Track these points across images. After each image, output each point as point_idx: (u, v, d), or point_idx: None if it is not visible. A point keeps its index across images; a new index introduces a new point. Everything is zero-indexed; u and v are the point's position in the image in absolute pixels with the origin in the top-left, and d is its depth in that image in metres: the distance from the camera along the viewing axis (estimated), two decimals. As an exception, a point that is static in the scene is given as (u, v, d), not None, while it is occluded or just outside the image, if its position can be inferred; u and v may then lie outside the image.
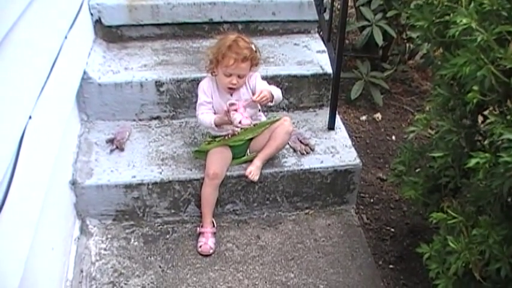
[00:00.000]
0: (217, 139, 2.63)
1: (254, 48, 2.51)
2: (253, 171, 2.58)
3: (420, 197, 2.18)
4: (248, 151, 2.68)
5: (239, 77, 2.49)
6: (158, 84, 2.88)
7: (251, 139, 2.65)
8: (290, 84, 2.99)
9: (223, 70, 2.48)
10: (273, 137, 2.61)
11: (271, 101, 2.54)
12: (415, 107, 3.71)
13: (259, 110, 2.71)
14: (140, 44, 3.21)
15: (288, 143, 2.77)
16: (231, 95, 2.56)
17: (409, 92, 3.88)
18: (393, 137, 3.42)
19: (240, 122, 2.42)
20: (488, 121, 1.68)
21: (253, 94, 2.52)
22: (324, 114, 3.01)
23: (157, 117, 2.96)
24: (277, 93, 2.57)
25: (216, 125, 2.54)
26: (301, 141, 2.81)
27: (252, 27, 3.31)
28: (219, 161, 2.57)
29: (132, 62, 3.02)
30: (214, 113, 2.57)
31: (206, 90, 2.57)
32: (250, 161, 2.63)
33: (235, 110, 2.43)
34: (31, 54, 1.96)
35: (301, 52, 3.22)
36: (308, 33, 3.39)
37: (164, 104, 2.93)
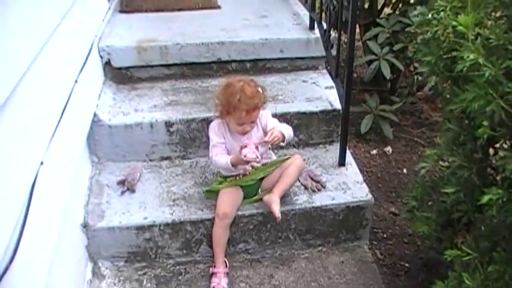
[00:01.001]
0: (228, 179, 2.61)
1: (261, 90, 2.49)
2: (278, 209, 2.48)
3: (433, 232, 2.15)
4: (259, 190, 2.64)
5: (251, 122, 2.50)
6: (168, 124, 2.87)
7: (262, 178, 2.63)
8: (299, 121, 2.98)
9: (235, 120, 2.47)
10: (285, 174, 2.58)
11: (283, 141, 2.51)
12: (426, 138, 3.69)
13: (269, 149, 2.69)
14: (150, 84, 3.22)
15: (299, 181, 2.75)
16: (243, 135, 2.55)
17: (418, 124, 3.86)
18: (404, 170, 3.39)
19: (245, 156, 2.39)
20: (499, 155, 1.68)
21: (264, 132, 2.53)
22: (334, 150, 2.98)
23: (168, 158, 2.94)
24: (288, 131, 2.54)
25: (233, 165, 2.51)
26: (312, 178, 2.77)
27: (260, 65, 3.32)
28: (229, 200, 2.54)
29: (142, 103, 3.02)
30: (228, 153, 2.56)
31: (217, 132, 2.56)
32: (261, 199, 2.60)
33: (245, 146, 2.42)
34: (42, 100, 1.98)
35: (310, 89, 3.21)
36: (316, 70, 3.39)
37: (174, 144, 2.91)
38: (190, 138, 2.92)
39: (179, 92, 3.17)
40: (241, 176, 2.61)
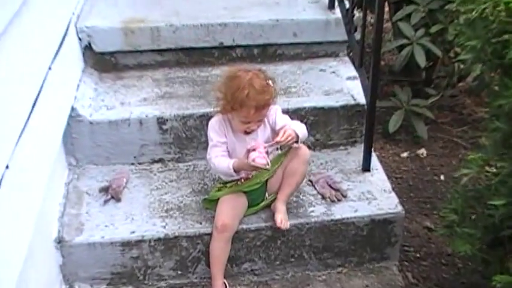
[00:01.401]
0: (228, 185, 2.57)
1: (271, 83, 2.45)
2: (283, 219, 2.50)
3: (478, 252, 2.09)
4: (266, 194, 2.62)
5: (258, 121, 2.47)
6: (160, 121, 2.84)
7: (267, 180, 2.61)
8: (316, 118, 2.93)
9: (240, 118, 2.44)
10: (290, 172, 2.55)
11: (297, 141, 2.47)
12: (468, 139, 3.63)
13: (277, 149, 2.63)
14: (138, 73, 3.19)
15: (316, 188, 2.73)
16: (248, 134, 2.52)
17: (459, 121, 3.81)
18: (442, 177, 3.34)
19: (253, 160, 2.36)
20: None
21: (273, 130, 2.51)
22: (357, 152, 2.94)
23: (160, 160, 2.92)
24: (302, 130, 2.50)
25: (235, 170, 2.47)
26: (330, 186, 2.74)
27: (269, 52, 3.29)
28: (229, 210, 2.50)
29: (130, 95, 2.99)
30: (229, 155, 2.52)
31: (218, 130, 2.52)
32: (269, 205, 2.60)
33: (254, 150, 2.38)
34: (8, 92, 1.93)
35: (329, 79, 3.16)
36: (336, 57, 3.35)
37: (168, 144, 2.89)
38: (186, 138, 2.89)
39: (174, 82, 3.13)
40: (243, 180, 2.57)
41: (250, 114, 2.40)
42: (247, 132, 2.50)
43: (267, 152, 2.40)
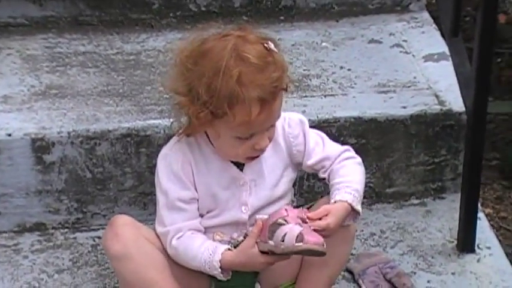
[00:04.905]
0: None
1: (272, 46, 2.23)
2: None
3: None
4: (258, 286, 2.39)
5: (267, 129, 2.24)
6: (39, 146, 2.66)
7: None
8: (361, 140, 2.73)
9: (235, 132, 2.20)
10: (316, 263, 2.32)
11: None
12: None
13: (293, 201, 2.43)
14: None
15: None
16: (243, 165, 2.31)
17: None
18: None
19: (302, 240, 2.11)
20: None
21: (292, 156, 2.33)
22: (447, 211, 2.81)
23: (38, 227, 2.76)
24: (359, 178, 2.27)
25: (224, 268, 2.23)
26: (391, 283, 2.57)
27: (266, 2, 3.18)
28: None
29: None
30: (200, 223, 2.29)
31: (180, 172, 2.30)
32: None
33: (284, 222, 2.17)
34: None
35: (388, 60, 3.01)
36: (402, 12, 3.25)
37: (55, 193, 2.71)
38: (93, 180, 2.73)
39: (67, 63, 2.97)
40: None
41: (252, 115, 2.14)
42: (250, 157, 2.31)
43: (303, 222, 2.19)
